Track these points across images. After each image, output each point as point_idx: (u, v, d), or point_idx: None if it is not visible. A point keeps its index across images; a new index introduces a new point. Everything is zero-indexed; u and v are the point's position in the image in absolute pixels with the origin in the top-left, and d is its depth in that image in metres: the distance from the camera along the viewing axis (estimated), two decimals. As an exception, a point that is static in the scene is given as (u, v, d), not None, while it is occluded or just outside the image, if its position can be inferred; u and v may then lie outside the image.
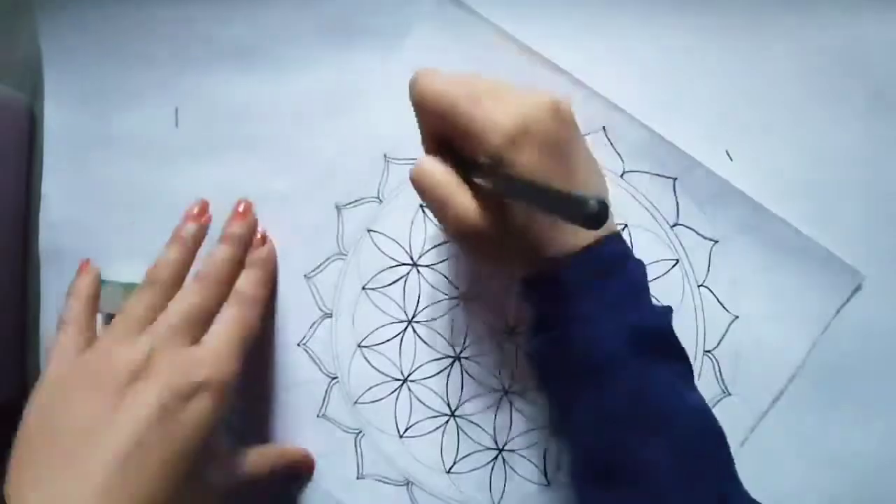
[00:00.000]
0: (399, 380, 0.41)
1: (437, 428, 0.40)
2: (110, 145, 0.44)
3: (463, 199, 0.31)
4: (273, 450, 0.41)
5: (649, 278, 0.34)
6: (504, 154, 0.30)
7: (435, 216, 0.33)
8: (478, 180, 0.31)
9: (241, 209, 0.41)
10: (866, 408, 0.37)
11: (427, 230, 0.41)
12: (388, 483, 0.41)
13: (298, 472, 0.41)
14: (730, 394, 0.38)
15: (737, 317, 0.38)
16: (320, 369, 0.42)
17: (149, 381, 0.33)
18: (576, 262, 0.31)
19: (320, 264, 0.42)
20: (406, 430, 0.41)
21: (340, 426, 0.42)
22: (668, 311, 0.34)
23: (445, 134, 0.32)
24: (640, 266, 0.33)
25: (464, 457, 0.40)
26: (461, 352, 0.40)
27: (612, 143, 0.39)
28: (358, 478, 0.41)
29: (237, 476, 0.38)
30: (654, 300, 0.34)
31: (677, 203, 0.38)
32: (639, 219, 0.38)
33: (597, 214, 0.24)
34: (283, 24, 0.42)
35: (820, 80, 0.37)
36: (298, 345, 0.42)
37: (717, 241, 0.38)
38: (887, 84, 0.36)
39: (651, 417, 0.30)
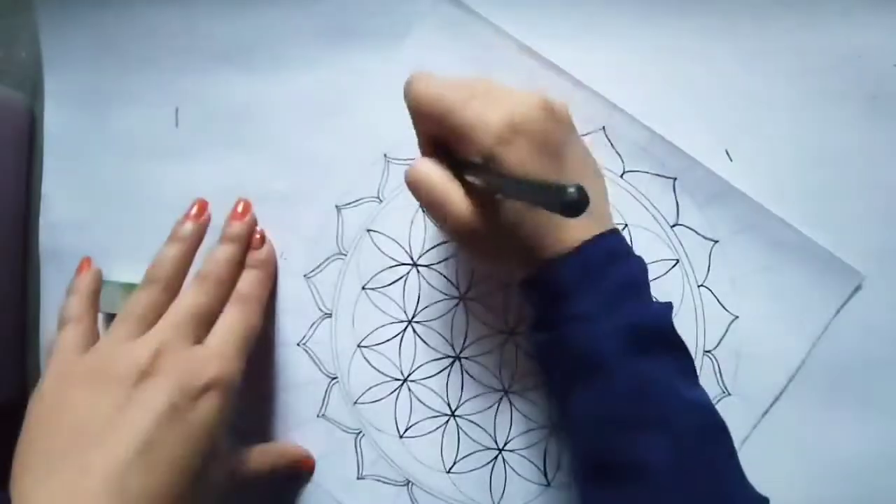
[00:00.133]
0: (399, 380, 0.41)
1: (437, 428, 0.40)
2: (110, 145, 0.44)
3: (458, 200, 0.32)
4: (273, 449, 0.41)
5: (649, 278, 0.34)
6: (495, 152, 0.30)
7: (431, 217, 0.33)
8: (470, 179, 0.32)
9: (240, 209, 0.41)
10: (866, 408, 0.37)
11: (427, 230, 0.41)
12: (388, 483, 0.41)
13: (299, 471, 0.41)
14: (730, 394, 0.38)
15: (737, 317, 0.38)
16: (320, 369, 0.42)
17: (157, 381, 0.33)
18: (571, 261, 0.32)
19: (320, 264, 0.42)
20: (406, 430, 0.41)
21: (340, 426, 0.42)
22: (667, 306, 0.34)
23: (440, 136, 0.33)
24: (638, 262, 0.33)
25: (464, 457, 0.40)
26: (461, 352, 0.40)
27: (612, 143, 0.39)
28: (358, 478, 0.41)
29: (238, 475, 0.38)
30: (654, 298, 0.34)
31: (677, 203, 0.38)
32: (639, 219, 0.38)
33: (576, 202, 0.23)
34: (283, 24, 0.42)
35: (820, 80, 0.37)
36: (298, 345, 0.42)
37: (717, 241, 0.38)
38: (887, 84, 0.36)
39: (650, 415, 0.30)
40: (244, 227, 0.40)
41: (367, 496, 0.41)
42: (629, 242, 0.38)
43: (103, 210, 0.45)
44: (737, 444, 0.34)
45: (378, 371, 0.41)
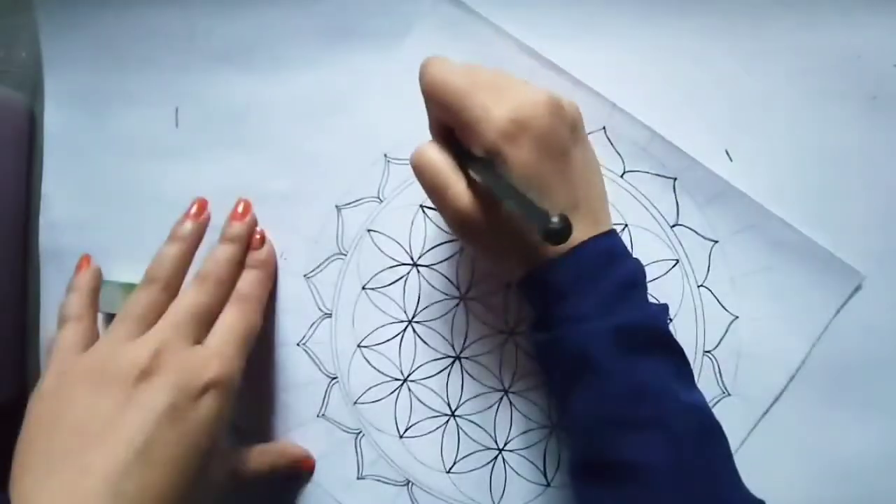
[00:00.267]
0: (399, 380, 0.41)
1: (437, 428, 0.40)
2: (110, 145, 0.44)
3: (460, 188, 0.32)
4: (273, 449, 0.41)
5: (649, 278, 0.34)
6: (499, 148, 0.30)
7: (432, 201, 0.33)
8: (471, 173, 0.32)
9: (240, 209, 0.41)
10: (866, 408, 0.37)
11: (427, 230, 0.41)
12: (388, 483, 0.41)
13: (299, 471, 0.41)
14: (730, 394, 0.38)
15: (737, 317, 0.38)
16: (320, 369, 0.42)
17: (158, 380, 0.33)
18: (568, 261, 0.32)
19: (320, 264, 0.42)
20: (406, 430, 0.41)
21: (340, 426, 0.42)
22: (662, 309, 0.34)
23: (449, 123, 0.32)
24: (634, 264, 0.33)
25: (464, 457, 0.40)
26: (461, 352, 0.40)
27: (612, 143, 0.39)
28: (358, 478, 0.41)
29: (238, 474, 0.38)
30: (652, 299, 0.34)
31: (677, 203, 0.38)
32: (639, 219, 0.38)
33: (557, 232, 0.25)
34: (283, 24, 0.42)
35: (820, 80, 0.37)
36: (298, 345, 0.42)
37: (716, 241, 0.38)
38: (887, 84, 0.36)
39: (646, 416, 0.30)
40: (244, 227, 0.40)
41: (367, 496, 0.41)
42: (629, 242, 0.38)
43: (103, 210, 0.45)
44: (737, 445, 0.34)
45: (378, 371, 0.41)
